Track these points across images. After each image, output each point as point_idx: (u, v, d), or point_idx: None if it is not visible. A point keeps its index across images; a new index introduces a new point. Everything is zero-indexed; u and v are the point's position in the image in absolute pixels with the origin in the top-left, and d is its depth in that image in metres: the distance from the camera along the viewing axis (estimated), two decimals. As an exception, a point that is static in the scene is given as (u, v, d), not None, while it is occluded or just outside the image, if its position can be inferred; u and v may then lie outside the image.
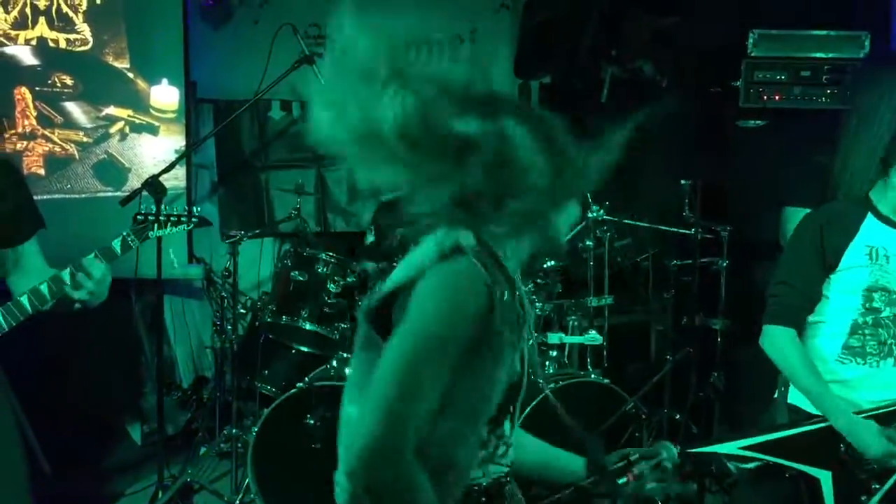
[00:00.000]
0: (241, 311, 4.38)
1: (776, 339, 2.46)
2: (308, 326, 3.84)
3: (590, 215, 3.94)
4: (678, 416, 4.12)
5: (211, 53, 4.87)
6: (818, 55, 4.19)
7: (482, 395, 1.47)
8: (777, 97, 4.20)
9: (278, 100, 4.98)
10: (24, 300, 2.30)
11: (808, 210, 2.75)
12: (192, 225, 2.89)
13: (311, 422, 3.29)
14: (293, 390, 3.47)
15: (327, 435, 3.24)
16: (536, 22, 5.09)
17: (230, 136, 4.97)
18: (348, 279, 3.87)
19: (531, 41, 5.11)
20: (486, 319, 1.41)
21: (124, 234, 2.56)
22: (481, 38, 5.01)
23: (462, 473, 1.48)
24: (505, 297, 1.44)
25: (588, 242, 3.99)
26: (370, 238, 4.46)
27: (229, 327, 4.13)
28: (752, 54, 4.21)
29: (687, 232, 3.97)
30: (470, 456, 1.49)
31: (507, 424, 1.56)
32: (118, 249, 2.49)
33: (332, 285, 3.83)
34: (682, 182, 4.04)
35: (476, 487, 1.51)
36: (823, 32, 4.19)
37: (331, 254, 3.92)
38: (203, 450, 4.18)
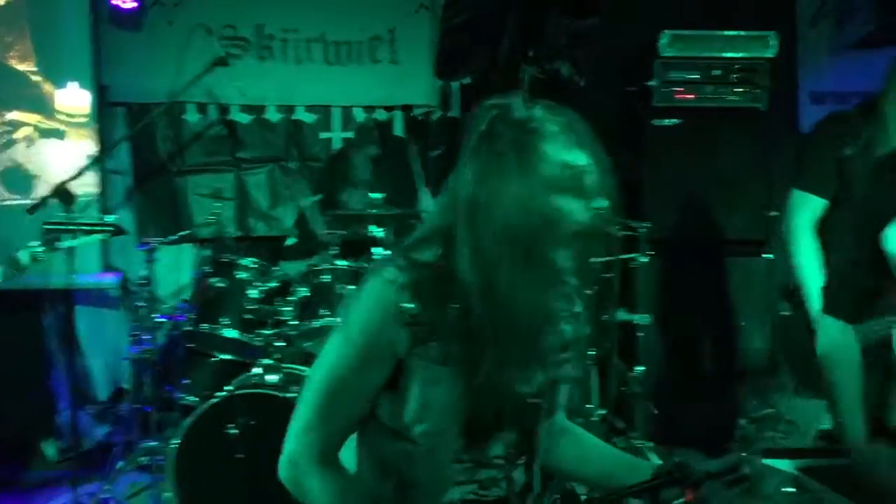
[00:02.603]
0: (160, 319, 4.26)
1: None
2: (229, 334, 3.76)
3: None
4: (603, 412, 4.17)
5: (123, 55, 4.74)
6: (728, 55, 4.30)
7: (431, 418, 1.44)
8: (690, 96, 4.30)
9: (194, 103, 4.87)
10: None
11: (819, 197, 2.69)
12: (107, 234, 2.77)
13: (234, 431, 3.22)
14: (214, 399, 3.39)
15: (250, 444, 3.18)
16: (455, 22, 5.10)
17: (145, 141, 4.84)
18: (269, 284, 3.80)
19: (450, 42, 5.12)
20: (396, 337, 1.41)
21: (33, 245, 2.45)
22: (400, 39, 5.00)
23: (429, 493, 1.47)
24: (446, 314, 1.41)
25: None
26: (291, 241, 4.40)
27: (147, 337, 4.02)
28: (665, 54, 4.30)
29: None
30: (436, 476, 1.48)
31: (495, 448, 1.51)
32: (26, 261, 2.38)
33: (252, 291, 3.76)
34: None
35: None
36: (733, 32, 4.30)
37: (251, 259, 3.85)
38: (120, 464, 4.04)
